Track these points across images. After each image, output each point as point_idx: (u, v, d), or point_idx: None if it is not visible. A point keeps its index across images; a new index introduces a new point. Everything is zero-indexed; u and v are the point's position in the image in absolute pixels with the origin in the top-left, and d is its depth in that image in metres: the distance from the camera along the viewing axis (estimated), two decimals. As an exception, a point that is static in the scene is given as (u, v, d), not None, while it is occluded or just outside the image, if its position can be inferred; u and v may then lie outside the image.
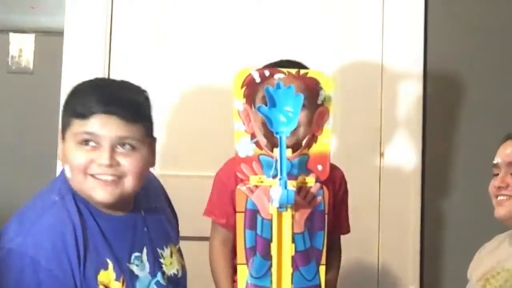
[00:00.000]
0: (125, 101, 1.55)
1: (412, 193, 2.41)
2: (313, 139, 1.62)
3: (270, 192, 1.52)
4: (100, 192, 1.53)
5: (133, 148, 1.54)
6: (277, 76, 1.59)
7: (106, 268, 1.53)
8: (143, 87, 1.67)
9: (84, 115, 1.51)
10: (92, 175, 1.53)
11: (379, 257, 2.40)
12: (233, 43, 2.45)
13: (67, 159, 1.54)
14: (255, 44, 2.44)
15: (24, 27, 2.44)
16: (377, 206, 2.41)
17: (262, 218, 1.57)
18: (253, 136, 1.59)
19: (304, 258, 1.57)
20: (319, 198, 1.60)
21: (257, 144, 1.59)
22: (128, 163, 1.53)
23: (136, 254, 1.61)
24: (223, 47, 2.45)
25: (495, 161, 1.74)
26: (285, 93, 1.58)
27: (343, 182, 1.91)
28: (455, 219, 2.41)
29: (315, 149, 1.61)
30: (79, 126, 1.52)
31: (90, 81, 1.63)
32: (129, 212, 1.64)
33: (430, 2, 2.47)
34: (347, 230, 1.99)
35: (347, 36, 2.46)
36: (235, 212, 1.62)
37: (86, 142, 1.52)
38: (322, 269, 1.59)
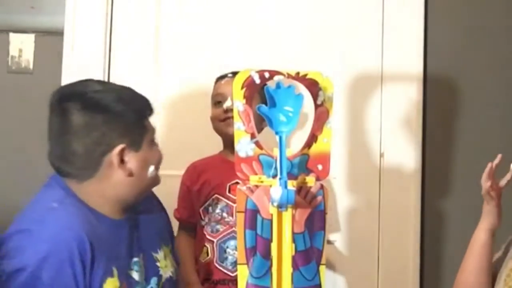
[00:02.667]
0: None
1: (412, 193, 2.41)
2: (313, 139, 1.62)
3: (270, 192, 1.52)
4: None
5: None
6: (276, 77, 1.59)
7: (112, 276, 1.52)
8: (143, 87, 1.69)
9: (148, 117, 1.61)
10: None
11: (379, 257, 2.40)
12: (233, 44, 2.45)
13: (149, 163, 1.59)
14: (255, 46, 2.44)
15: (24, 27, 2.44)
16: (377, 206, 2.41)
17: (262, 218, 1.57)
18: (253, 136, 1.59)
19: (304, 258, 1.57)
20: (319, 198, 1.60)
21: (257, 144, 1.59)
22: None
23: (135, 259, 1.61)
24: (223, 48, 2.45)
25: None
26: (285, 93, 1.58)
27: None
28: (455, 219, 2.41)
29: (315, 148, 1.61)
30: (152, 130, 1.61)
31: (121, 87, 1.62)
32: (126, 215, 1.63)
33: (430, 5, 2.47)
34: None
35: (348, 38, 2.46)
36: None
37: (154, 141, 1.63)
38: (322, 269, 1.59)
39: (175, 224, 2.00)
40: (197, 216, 2.07)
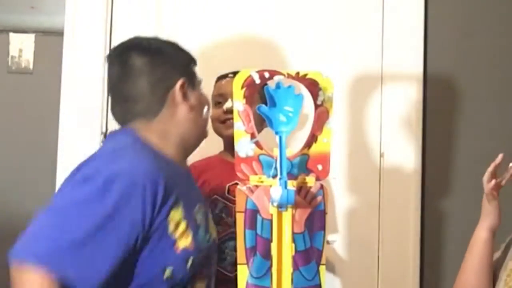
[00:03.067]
0: None
1: (412, 193, 2.41)
2: (313, 139, 1.62)
3: (270, 192, 1.52)
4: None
5: None
6: (276, 77, 1.59)
7: (178, 207, 1.53)
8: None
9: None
10: None
11: (379, 257, 2.40)
12: (233, 44, 2.45)
13: (203, 103, 1.70)
14: (255, 46, 2.44)
15: (24, 27, 2.45)
16: (377, 206, 2.41)
17: (262, 218, 1.57)
18: (253, 136, 1.59)
19: (304, 258, 1.57)
20: (319, 198, 1.60)
21: (257, 144, 1.59)
22: None
23: (198, 206, 1.63)
24: (223, 48, 2.45)
25: None
26: (285, 93, 1.58)
27: None
28: (455, 219, 2.41)
29: (315, 149, 1.61)
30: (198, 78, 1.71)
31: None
32: (185, 166, 1.72)
33: (430, 4, 2.47)
34: None
35: (348, 38, 2.46)
36: None
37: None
38: (322, 269, 1.60)
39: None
40: None
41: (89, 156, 1.56)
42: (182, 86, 1.62)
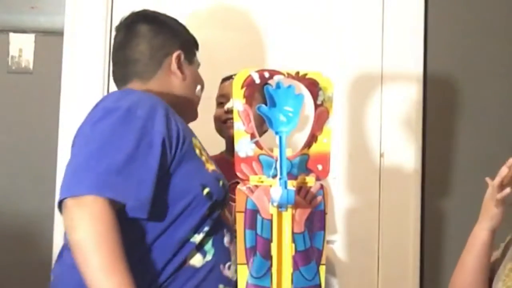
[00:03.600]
0: None
1: (412, 193, 2.41)
2: (313, 139, 1.62)
3: (270, 192, 1.52)
4: None
5: None
6: (276, 77, 1.59)
7: (195, 136, 1.65)
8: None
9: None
10: None
11: (379, 257, 2.40)
12: (233, 44, 2.45)
13: (197, 81, 1.79)
14: (255, 46, 2.44)
15: (24, 27, 2.44)
16: (377, 206, 2.41)
17: (262, 218, 1.57)
18: (253, 136, 1.59)
19: (304, 258, 1.57)
20: (319, 198, 1.60)
21: (257, 144, 1.59)
22: None
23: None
24: (223, 48, 2.45)
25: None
26: (285, 93, 1.58)
27: None
28: (455, 219, 2.41)
29: (315, 148, 1.61)
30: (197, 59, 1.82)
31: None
32: None
33: (430, 4, 2.47)
34: None
35: (348, 38, 2.46)
36: None
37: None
38: (322, 269, 1.59)
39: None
40: None
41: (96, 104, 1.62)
42: (178, 56, 1.72)
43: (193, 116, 1.80)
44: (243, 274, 1.56)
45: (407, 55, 2.45)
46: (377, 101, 2.45)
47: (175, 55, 1.72)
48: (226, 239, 1.65)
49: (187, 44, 1.78)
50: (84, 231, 1.38)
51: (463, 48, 2.48)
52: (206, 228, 1.59)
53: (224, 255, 1.63)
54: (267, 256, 1.55)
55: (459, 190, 2.43)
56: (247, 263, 1.56)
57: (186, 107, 1.75)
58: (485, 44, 2.48)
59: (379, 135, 2.44)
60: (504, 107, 2.46)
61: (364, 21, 2.47)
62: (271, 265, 1.54)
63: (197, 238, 1.57)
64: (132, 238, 1.47)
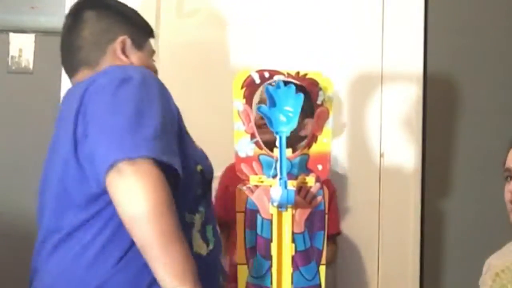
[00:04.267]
0: None
1: (412, 193, 2.41)
2: (313, 139, 1.62)
3: (270, 192, 1.52)
4: None
5: None
6: (276, 77, 1.59)
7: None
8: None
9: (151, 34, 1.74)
10: None
11: (379, 257, 2.40)
12: (233, 43, 2.45)
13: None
14: (255, 46, 2.44)
15: (24, 27, 2.44)
16: (377, 206, 2.41)
17: (262, 218, 1.57)
18: (253, 136, 1.60)
19: (304, 258, 1.57)
20: (319, 198, 1.60)
21: (257, 144, 1.59)
22: None
23: None
24: (223, 47, 2.45)
25: (507, 165, 1.68)
26: (285, 93, 1.58)
27: (330, 182, 1.95)
28: (455, 219, 2.41)
29: (315, 149, 1.62)
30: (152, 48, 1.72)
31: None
32: None
33: (430, 4, 2.47)
34: (334, 230, 2.15)
35: (348, 38, 2.46)
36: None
37: (153, 57, 1.72)
38: (322, 269, 1.60)
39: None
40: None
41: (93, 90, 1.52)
42: (123, 41, 1.63)
43: None
44: (243, 274, 1.57)
45: (407, 55, 2.45)
46: (377, 101, 2.45)
47: (119, 40, 1.63)
48: (218, 230, 1.61)
49: (136, 29, 1.69)
50: (148, 200, 1.30)
51: (463, 48, 2.48)
52: (201, 209, 1.52)
53: (220, 246, 1.59)
54: (267, 256, 1.55)
55: (459, 190, 2.43)
56: (247, 263, 1.56)
57: None
58: (485, 44, 2.48)
59: (379, 135, 2.44)
60: (504, 107, 2.46)
61: (364, 21, 2.47)
62: (271, 265, 1.54)
63: (194, 220, 1.50)
64: None
